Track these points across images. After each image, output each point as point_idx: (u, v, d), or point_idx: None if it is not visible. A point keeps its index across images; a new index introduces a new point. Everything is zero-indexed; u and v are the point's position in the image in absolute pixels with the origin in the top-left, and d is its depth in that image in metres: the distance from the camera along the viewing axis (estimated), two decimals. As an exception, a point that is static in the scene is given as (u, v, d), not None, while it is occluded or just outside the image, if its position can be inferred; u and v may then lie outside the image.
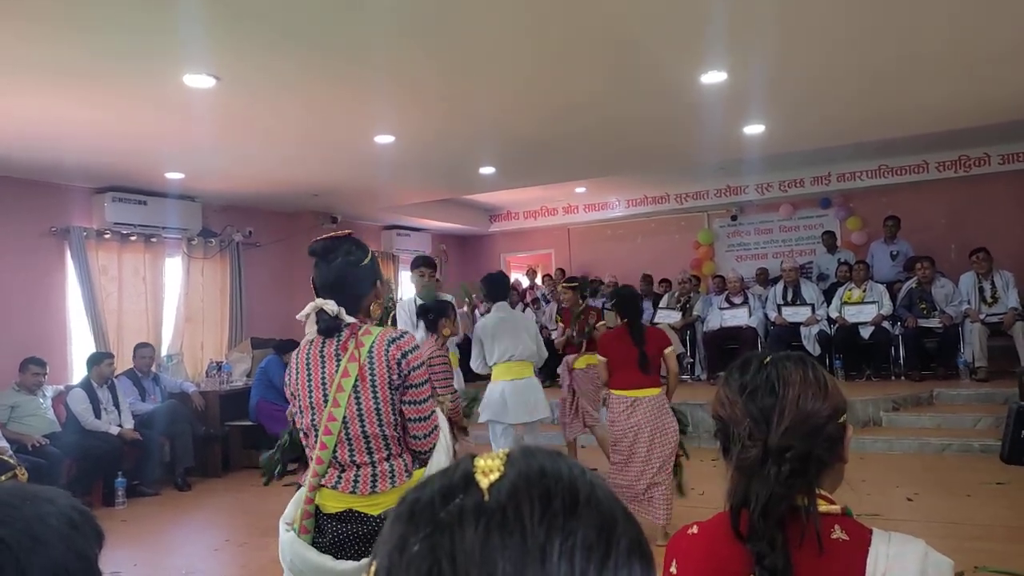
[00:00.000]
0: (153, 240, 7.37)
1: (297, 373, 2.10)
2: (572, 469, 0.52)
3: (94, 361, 6.25)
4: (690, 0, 3.51)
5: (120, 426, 6.18)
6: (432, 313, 4.29)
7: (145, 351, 6.84)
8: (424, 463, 2.10)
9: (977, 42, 4.29)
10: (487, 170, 7.27)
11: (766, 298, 8.69)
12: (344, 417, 2.00)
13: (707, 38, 4.01)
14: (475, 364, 4.83)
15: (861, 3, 3.66)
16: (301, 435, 2.16)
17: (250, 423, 7.09)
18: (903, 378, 7.62)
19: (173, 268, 7.69)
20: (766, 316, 8.46)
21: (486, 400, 4.71)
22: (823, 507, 1.09)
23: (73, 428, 5.97)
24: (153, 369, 6.93)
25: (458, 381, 4.75)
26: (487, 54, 4.11)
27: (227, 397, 7.26)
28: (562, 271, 10.83)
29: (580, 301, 5.95)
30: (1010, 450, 5.47)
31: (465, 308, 4.94)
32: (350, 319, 2.05)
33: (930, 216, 9.38)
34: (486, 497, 0.49)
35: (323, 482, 2.04)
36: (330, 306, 2.02)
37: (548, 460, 0.53)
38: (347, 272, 2.09)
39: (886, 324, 7.73)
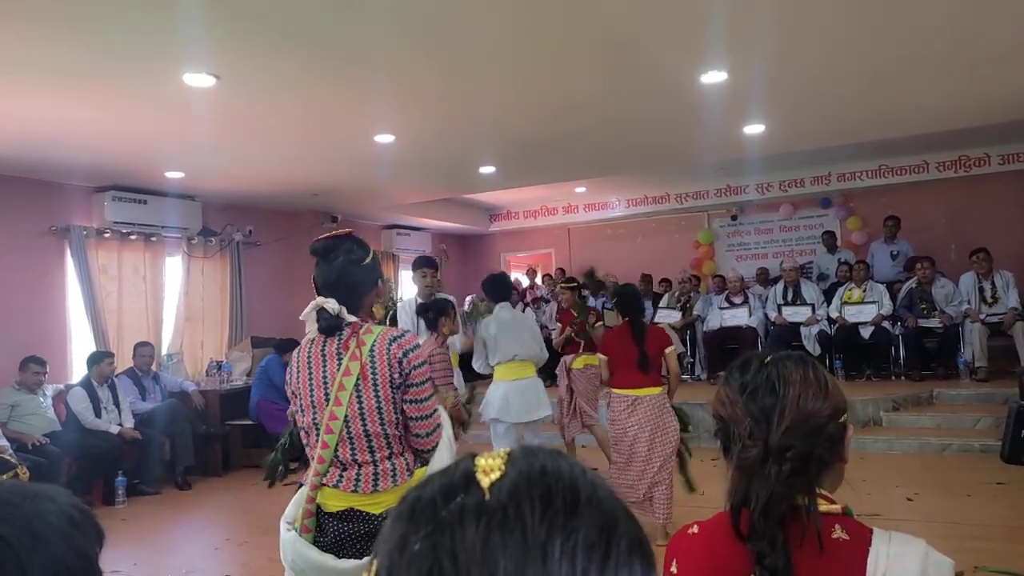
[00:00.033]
0: (153, 239, 7.37)
1: (298, 372, 2.10)
2: (573, 468, 0.52)
3: (94, 360, 6.25)
4: (690, 0, 3.51)
5: (120, 425, 6.18)
6: (432, 311, 4.32)
7: (145, 350, 6.84)
8: (426, 462, 2.10)
9: (977, 42, 4.28)
10: (487, 170, 7.27)
11: (766, 298, 8.69)
12: (346, 416, 2.00)
13: (707, 38, 4.01)
14: (477, 364, 4.85)
15: (861, 3, 3.66)
16: (302, 434, 2.16)
17: (250, 422, 7.10)
18: (903, 378, 7.61)
19: (173, 267, 7.69)
20: (766, 316, 8.46)
21: (489, 399, 4.73)
22: (823, 507, 1.09)
23: (73, 427, 5.97)
24: (153, 368, 6.94)
25: (457, 380, 4.76)
26: (487, 54, 4.11)
27: (227, 396, 7.26)
28: (562, 271, 10.83)
29: (578, 300, 5.95)
30: (1010, 450, 5.48)
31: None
32: (351, 318, 2.05)
33: (930, 216, 9.38)
34: (487, 496, 0.49)
35: (324, 481, 2.04)
36: (331, 305, 2.02)
37: (549, 459, 0.53)
38: (348, 271, 2.09)
39: (886, 324, 7.73)
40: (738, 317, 8.48)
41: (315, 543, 2.02)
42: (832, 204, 10.20)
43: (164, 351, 7.45)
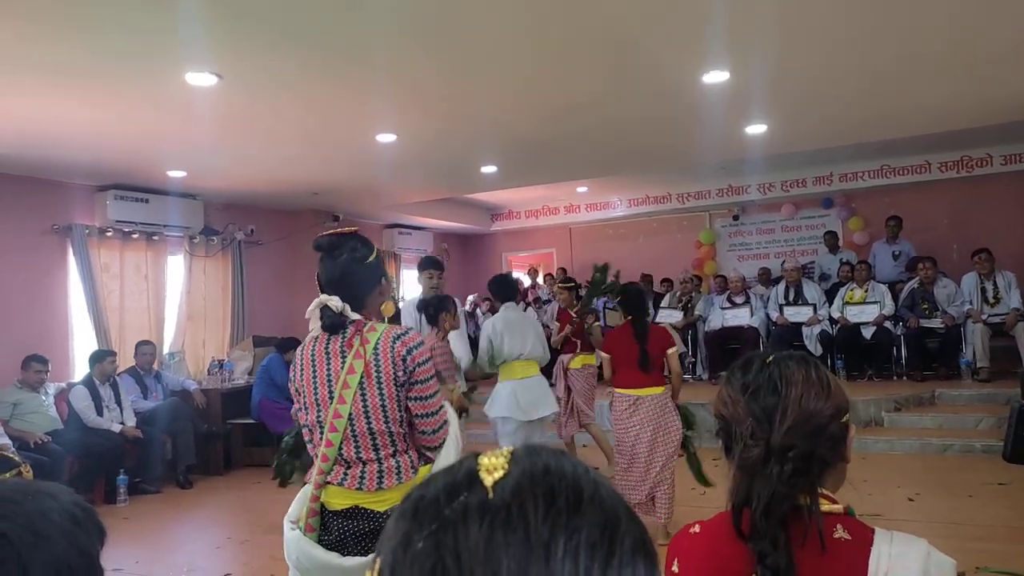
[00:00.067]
0: (155, 238, 7.38)
1: (302, 369, 2.10)
2: (576, 467, 0.52)
3: (96, 359, 6.26)
4: (690, 0, 3.51)
5: (122, 423, 6.18)
6: (432, 307, 4.37)
7: (147, 349, 6.84)
8: (431, 459, 2.10)
9: (977, 42, 4.28)
10: (488, 169, 7.27)
11: (768, 298, 8.68)
12: (350, 414, 2.00)
13: (707, 38, 4.01)
14: (482, 363, 4.89)
15: (861, 3, 3.65)
16: (305, 432, 2.16)
17: (252, 421, 7.11)
18: (905, 378, 7.61)
19: (175, 266, 7.70)
20: (768, 316, 8.45)
21: (495, 398, 4.75)
22: (825, 506, 1.09)
23: (75, 425, 5.97)
24: (155, 367, 6.95)
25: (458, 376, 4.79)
26: (487, 54, 4.11)
27: (229, 395, 7.27)
28: (563, 270, 10.83)
29: (584, 300, 5.96)
30: (1013, 449, 5.47)
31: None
32: (355, 316, 2.05)
33: (932, 216, 9.37)
34: (490, 495, 0.49)
35: (329, 479, 2.04)
36: (334, 302, 2.02)
37: (552, 458, 0.53)
38: (352, 269, 2.08)
39: (888, 324, 7.72)
40: (740, 317, 8.47)
41: (319, 541, 2.02)
42: (834, 204, 10.19)
43: (166, 350, 7.45)
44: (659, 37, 3.98)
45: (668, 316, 8.86)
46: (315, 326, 2.08)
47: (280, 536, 2.09)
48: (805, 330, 8.06)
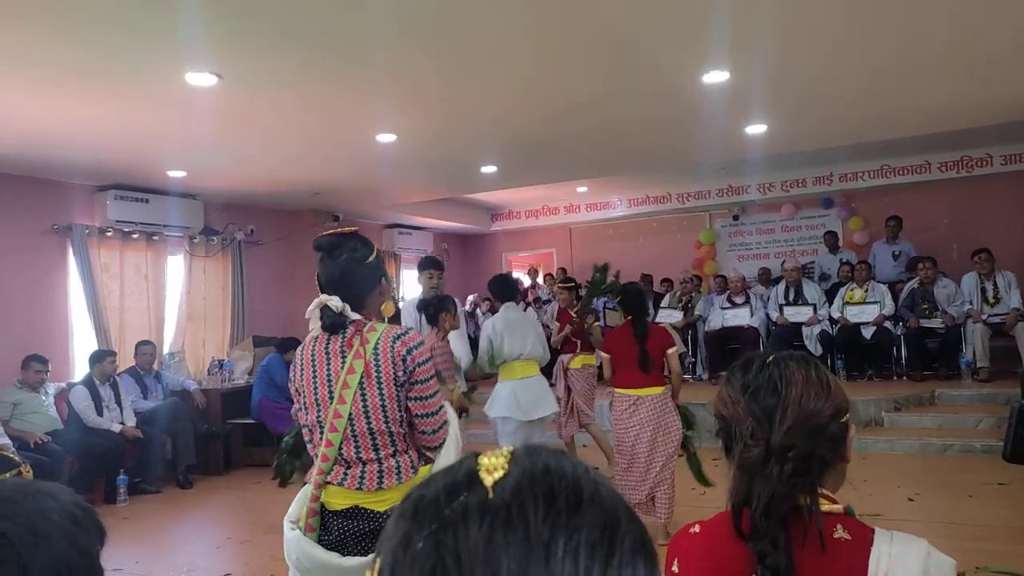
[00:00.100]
0: (155, 238, 7.38)
1: (302, 369, 2.09)
2: (576, 467, 0.52)
3: (96, 359, 6.26)
4: (690, 0, 3.51)
5: (122, 423, 6.18)
6: (432, 307, 4.37)
7: (147, 349, 6.84)
8: (431, 459, 2.10)
9: (977, 42, 4.28)
10: (488, 169, 7.27)
11: (768, 298, 8.68)
12: (350, 414, 2.00)
13: (708, 38, 4.01)
14: (482, 362, 4.89)
15: (861, 3, 3.65)
16: (305, 432, 2.16)
17: (252, 421, 7.11)
18: (905, 378, 7.61)
19: (175, 266, 7.70)
20: (768, 316, 8.45)
21: (495, 398, 4.76)
22: (825, 506, 1.09)
23: (75, 425, 5.97)
24: (155, 367, 6.95)
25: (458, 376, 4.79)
26: (487, 54, 4.11)
27: (229, 395, 7.27)
28: (563, 270, 10.82)
29: (585, 300, 5.96)
30: (1012, 449, 5.47)
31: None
32: (355, 316, 2.05)
33: (932, 216, 9.37)
34: (490, 495, 0.49)
35: (329, 479, 2.04)
36: (334, 302, 2.02)
37: (552, 458, 0.53)
38: (352, 269, 2.08)
39: (888, 324, 7.72)
40: (740, 317, 8.47)
41: (319, 541, 2.02)
42: (834, 204, 10.19)
43: (166, 350, 7.45)
44: (659, 37, 3.98)
45: (668, 316, 8.86)
46: (315, 326, 2.08)
47: (280, 536, 2.09)
48: (805, 330, 8.06)
